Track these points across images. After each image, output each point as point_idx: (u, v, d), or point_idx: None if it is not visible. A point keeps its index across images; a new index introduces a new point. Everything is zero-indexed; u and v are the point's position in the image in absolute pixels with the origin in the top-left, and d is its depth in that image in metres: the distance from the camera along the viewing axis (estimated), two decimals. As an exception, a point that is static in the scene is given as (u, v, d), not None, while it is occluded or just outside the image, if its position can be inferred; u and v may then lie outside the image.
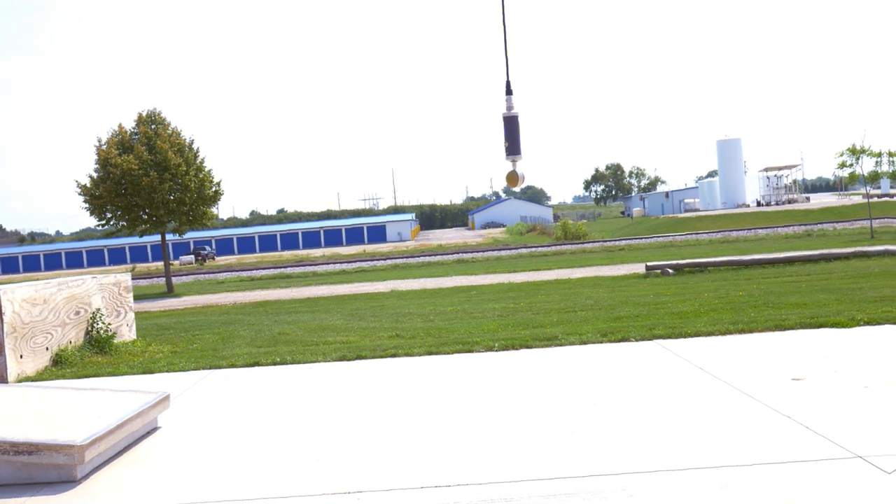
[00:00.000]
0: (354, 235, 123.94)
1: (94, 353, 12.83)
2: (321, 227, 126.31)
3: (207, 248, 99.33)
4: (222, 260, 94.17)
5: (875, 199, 38.47)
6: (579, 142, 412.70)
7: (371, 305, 19.92)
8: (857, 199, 76.50)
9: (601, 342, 10.98)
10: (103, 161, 34.23)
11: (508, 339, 11.57)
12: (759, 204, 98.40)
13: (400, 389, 8.93)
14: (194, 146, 36.33)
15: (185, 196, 34.89)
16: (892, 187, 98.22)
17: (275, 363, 11.10)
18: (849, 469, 5.31)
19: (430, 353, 11.03)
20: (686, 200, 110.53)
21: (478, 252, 50.93)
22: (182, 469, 6.44)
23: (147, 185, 33.48)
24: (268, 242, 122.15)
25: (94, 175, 34.89)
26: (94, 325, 13.36)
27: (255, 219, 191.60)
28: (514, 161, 10.81)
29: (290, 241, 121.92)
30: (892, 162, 38.44)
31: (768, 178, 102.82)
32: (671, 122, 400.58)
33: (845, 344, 9.67)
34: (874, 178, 39.01)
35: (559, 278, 25.14)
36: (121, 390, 8.33)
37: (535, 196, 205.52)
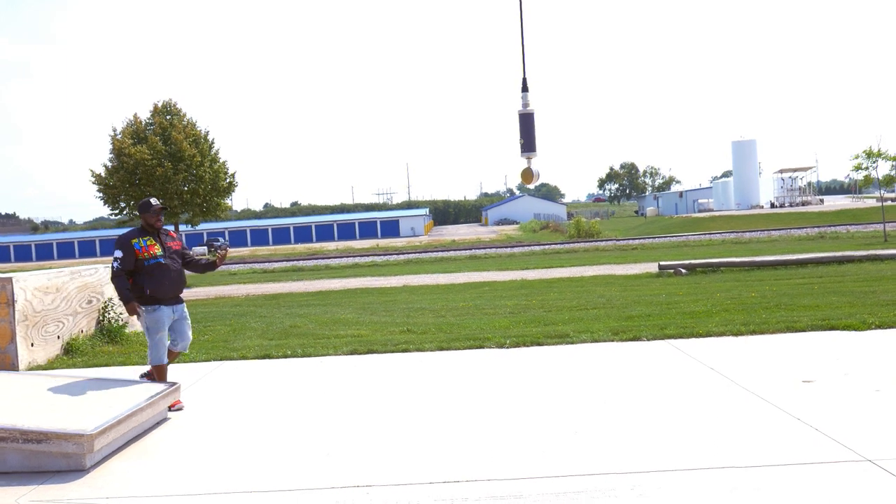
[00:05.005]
0: (367, 229, 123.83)
1: (105, 343, 12.88)
2: (334, 221, 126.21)
3: (221, 239, 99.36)
4: (235, 251, 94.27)
5: (889, 203, 38.27)
6: (594, 140, 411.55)
7: (383, 300, 19.91)
8: (871, 203, 76.13)
9: (613, 341, 10.97)
10: (118, 151, 34.27)
11: (520, 336, 11.56)
12: (772, 205, 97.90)
13: (411, 384, 8.93)
14: (209, 137, 36.38)
15: (199, 187, 34.91)
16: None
17: (286, 356, 11.12)
18: (858, 472, 5.29)
19: (442, 349, 11.04)
20: (700, 200, 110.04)
21: (491, 248, 50.77)
22: (191, 460, 6.46)
23: (161, 176, 33.52)
24: (281, 235, 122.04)
25: (109, 164, 34.97)
26: (106, 314, 13.41)
27: (269, 211, 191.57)
28: (528, 158, 10.80)
29: (303, 234, 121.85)
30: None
31: (783, 179, 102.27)
32: (687, 122, 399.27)
33: (856, 347, 9.64)
34: (889, 181, 38.70)
35: (572, 276, 25.08)
36: (131, 380, 8.36)
37: (549, 193, 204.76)
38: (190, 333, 8.86)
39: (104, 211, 38.16)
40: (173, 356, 8.83)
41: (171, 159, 34.00)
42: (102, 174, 34.94)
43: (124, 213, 36.03)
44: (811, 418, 6.55)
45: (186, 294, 9.36)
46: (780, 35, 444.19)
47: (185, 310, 8.82)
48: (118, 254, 8.35)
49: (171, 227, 9.01)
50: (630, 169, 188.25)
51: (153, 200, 8.65)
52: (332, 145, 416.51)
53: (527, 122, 10.69)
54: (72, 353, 12.06)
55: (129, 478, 6.06)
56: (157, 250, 8.41)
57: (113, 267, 8.37)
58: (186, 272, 8.91)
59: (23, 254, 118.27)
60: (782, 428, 6.37)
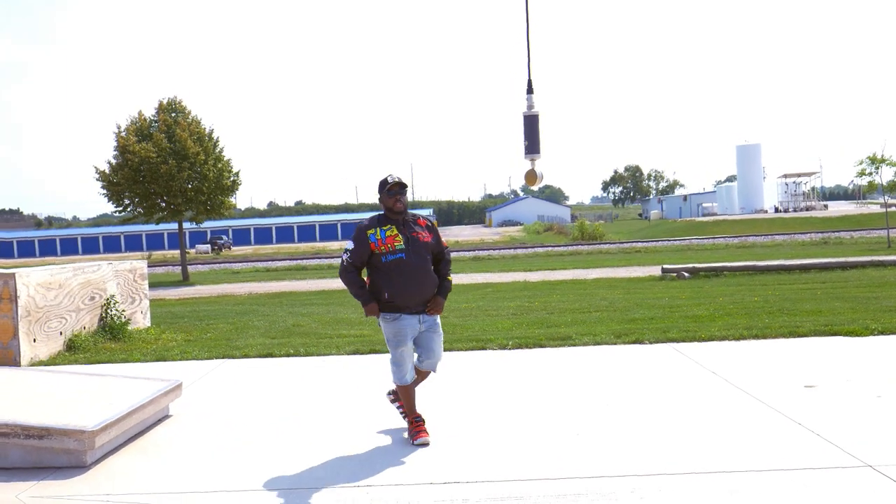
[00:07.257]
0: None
1: (107, 340, 12.88)
2: (339, 220, 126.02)
3: (224, 237, 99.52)
4: (239, 250, 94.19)
5: (893, 209, 38.04)
6: (599, 143, 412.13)
7: (385, 300, 19.88)
8: (875, 208, 75.90)
9: (615, 343, 10.96)
10: (122, 148, 34.19)
11: (522, 338, 11.56)
12: (777, 210, 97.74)
13: (411, 385, 8.92)
14: (214, 135, 36.31)
15: (204, 185, 34.79)
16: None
17: (288, 355, 11.12)
18: (858, 478, 5.28)
19: (444, 350, 11.02)
20: (704, 204, 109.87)
21: (494, 250, 50.75)
22: (192, 458, 6.46)
23: (165, 173, 33.44)
24: (285, 234, 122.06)
25: (113, 161, 34.93)
26: (109, 311, 13.40)
27: (273, 210, 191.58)
28: (533, 160, 10.80)
29: (307, 233, 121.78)
30: (912, 172, 38.22)
31: (787, 184, 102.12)
32: (691, 126, 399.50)
33: (859, 353, 9.63)
34: (893, 187, 38.64)
35: (575, 278, 25.05)
36: (133, 377, 8.37)
37: (553, 196, 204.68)
38: (440, 349, 7.11)
39: (108, 208, 38.04)
40: (421, 376, 7.17)
41: (176, 157, 33.91)
42: (107, 171, 34.89)
43: (128, 210, 36.01)
44: (813, 423, 6.54)
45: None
46: (785, 39, 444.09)
47: (438, 320, 7.05)
48: (349, 245, 6.77)
49: (422, 215, 6.74)
50: (634, 172, 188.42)
51: (390, 178, 6.77)
52: (337, 145, 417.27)
53: (531, 124, 10.70)
54: (74, 350, 12.07)
55: (129, 474, 6.07)
56: (399, 243, 6.65)
57: (343, 260, 6.81)
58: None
59: (26, 249, 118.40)
60: (784, 432, 6.36)
